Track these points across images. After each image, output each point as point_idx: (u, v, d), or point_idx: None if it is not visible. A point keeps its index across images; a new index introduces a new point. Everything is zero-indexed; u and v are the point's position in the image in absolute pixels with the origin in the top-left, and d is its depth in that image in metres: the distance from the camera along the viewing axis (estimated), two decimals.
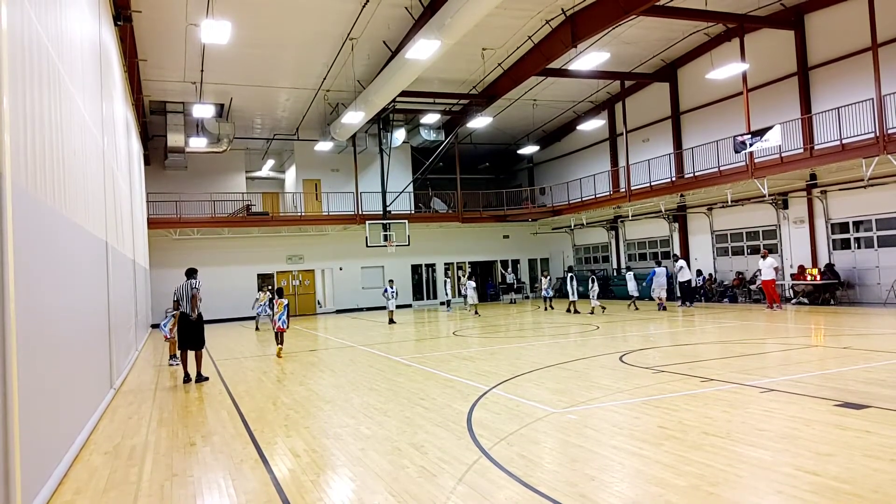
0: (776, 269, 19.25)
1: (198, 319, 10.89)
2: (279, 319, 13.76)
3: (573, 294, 21.90)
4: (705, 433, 5.85)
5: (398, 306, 25.98)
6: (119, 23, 13.60)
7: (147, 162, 27.15)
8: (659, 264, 22.51)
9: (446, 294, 28.20)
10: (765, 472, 4.77)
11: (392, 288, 22.57)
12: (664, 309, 20.96)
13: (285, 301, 13.88)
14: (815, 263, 20.63)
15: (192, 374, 10.93)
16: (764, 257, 19.30)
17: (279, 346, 14.05)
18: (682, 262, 22.51)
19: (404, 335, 17.62)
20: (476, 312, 23.97)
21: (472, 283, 24.98)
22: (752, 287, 22.37)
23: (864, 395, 7.03)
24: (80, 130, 7.73)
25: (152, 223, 25.00)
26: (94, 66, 9.58)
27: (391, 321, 21.86)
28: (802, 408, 6.65)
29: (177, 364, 12.94)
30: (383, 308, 25.03)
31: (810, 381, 8.02)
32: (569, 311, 21.90)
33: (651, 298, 22.90)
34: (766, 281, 19.27)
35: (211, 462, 5.90)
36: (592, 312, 20.99)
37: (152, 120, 25.90)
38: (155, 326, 23.93)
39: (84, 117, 8.17)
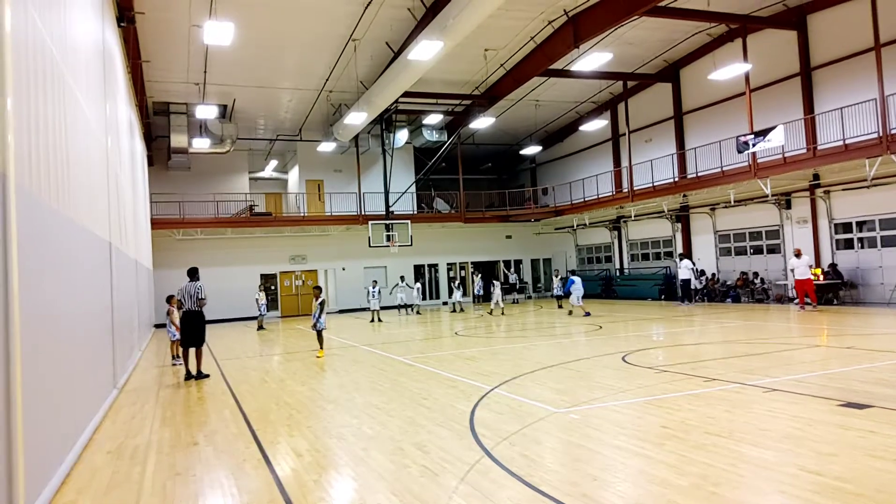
0: (811, 266, 18.76)
1: (200, 316, 11.06)
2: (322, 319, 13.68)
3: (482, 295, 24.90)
4: (708, 433, 5.84)
5: (399, 306, 26.06)
6: (122, 24, 13.65)
7: (150, 163, 27.20)
8: (574, 273, 24.23)
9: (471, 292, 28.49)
10: (767, 471, 4.76)
11: (375, 288, 23.18)
12: (585, 315, 20.13)
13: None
14: (818, 263, 20.57)
15: (193, 371, 11.12)
16: (798, 256, 18.39)
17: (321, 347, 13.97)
18: (685, 262, 22.48)
19: (406, 335, 17.63)
20: (495, 313, 23.60)
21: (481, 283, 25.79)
22: (755, 287, 22.34)
23: (867, 395, 7.01)
24: (83, 132, 7.75)
25: (156, 224, 25.07)
26: (97, 67, 9.61)
27: (375, 320, 22.42)
28: (805, 408, 6.64)
29: (180, 364, 12.99)
30: (384, 308, 25.16)
31: (813, 381, 8.00)
32: (490, 312, 23.87)
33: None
34: (802, 280, 18.28)
35: (213, 461, 5.91)
36: (491, 313, 23.01)
37: (155, 121, 25.95)
38: (158, 326, 23.98)
39: (87, 118, 8.19)
